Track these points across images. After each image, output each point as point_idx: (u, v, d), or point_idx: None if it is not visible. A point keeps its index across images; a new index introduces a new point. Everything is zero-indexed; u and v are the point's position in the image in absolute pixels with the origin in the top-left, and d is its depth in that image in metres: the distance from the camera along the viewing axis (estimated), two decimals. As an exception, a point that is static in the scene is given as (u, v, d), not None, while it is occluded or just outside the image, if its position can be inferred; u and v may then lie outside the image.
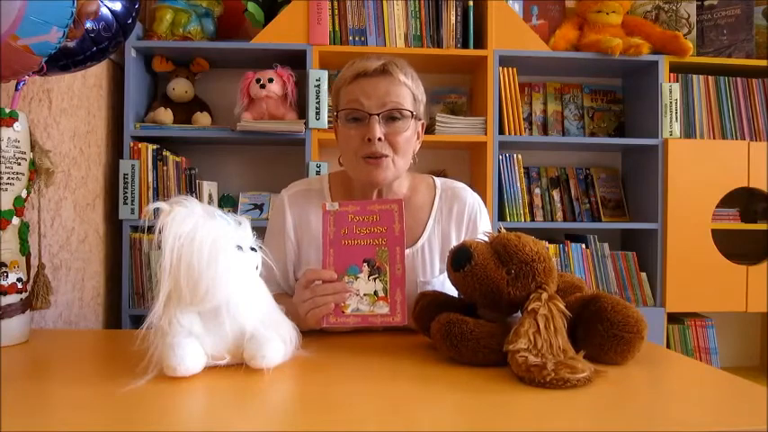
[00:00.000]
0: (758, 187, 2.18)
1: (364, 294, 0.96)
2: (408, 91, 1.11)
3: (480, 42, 2.18)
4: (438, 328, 0.85)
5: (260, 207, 2.20)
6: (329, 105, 2.09)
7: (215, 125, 2.17)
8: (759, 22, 2.34)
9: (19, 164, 0.99)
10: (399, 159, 1.11)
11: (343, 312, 0.96)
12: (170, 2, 2.11)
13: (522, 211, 2.20)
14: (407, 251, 1.13)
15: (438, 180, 1.25)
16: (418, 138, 1.18)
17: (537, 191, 2.31)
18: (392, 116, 1.09)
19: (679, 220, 2.15)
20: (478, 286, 0.86)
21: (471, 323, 0.83)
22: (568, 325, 0.82)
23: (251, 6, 2.12)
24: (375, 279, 0.96)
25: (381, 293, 0.96)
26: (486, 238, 0.91)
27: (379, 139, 1.07)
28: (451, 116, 2.18)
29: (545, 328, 0.77)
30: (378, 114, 1.08)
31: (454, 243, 1.06)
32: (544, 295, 0.81)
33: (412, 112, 1.11)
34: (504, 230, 0.92)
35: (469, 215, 1.20)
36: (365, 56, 1.14)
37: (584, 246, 2.22)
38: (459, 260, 0.87)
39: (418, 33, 2.16)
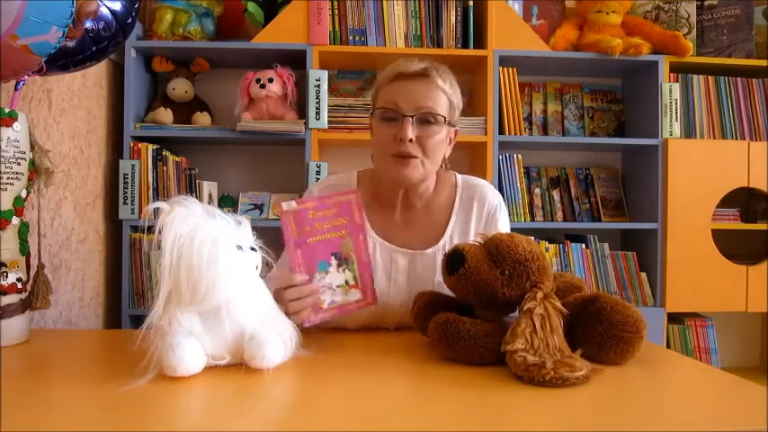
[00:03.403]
0: (758, 187, 2.18)
1: (337, 286, 0.98)
2: (445, 97, 1.12)
3: (480, 42, 2.18)
4: (435, 328, 0.85)
5: (260, 207, 2.20)
6: (329, 105, 2.09)
7: (215, 125, 2.17)
8: (759, 22, 2.34)
9: (19, 164, 0.99)
10: (428, 162, 1.12)
11: (321, 308, 0.98)
12: (170, 2, 2.11)
13: (522, 211, 2.20)
14: (429, 251, 1.16)
15: (460, 177, 1.26)
16: (450, 143, 1.19)
17: (537, 191, 2.31)
18: (425, 119, 1.10)
19: (679, 220, 2.15)
20: (473, 289, 0.86)
21: (468, 323, 0.83)
22: (567, 324, 0.83)
23: (251, 6, 2.12)
24: (344, 269, 0.99)
25: (352, 282, 1.00)
26: (480, 240, 0.91)
27: (411, 140, 1.09)
28: (451, 116, 2.18)
29: (541, 328, 0.77)
30: (412, 116, 1.09)
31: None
32: (539, 294, 0.81)
33: (445, 118, 1.12)
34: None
35: (489, 212, 1.21)
36: (409, 57, 1.16)
37: (584, 246, 2.22)
38: (453, 264, 0.87)
39: (418, 33, 2.16)
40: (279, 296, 0.99)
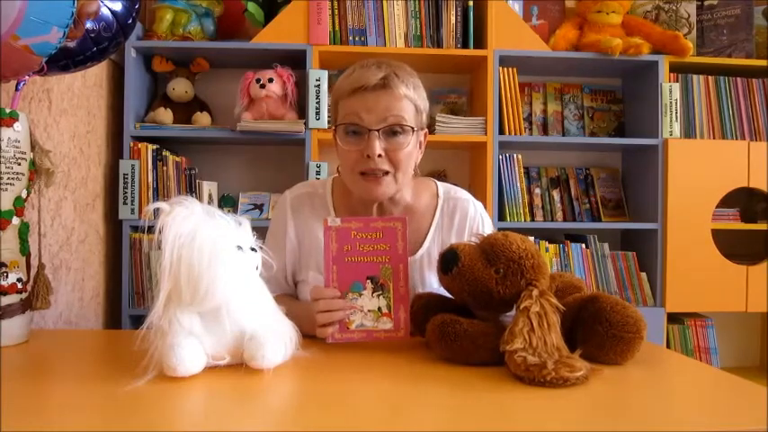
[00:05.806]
0: (758, 187, 2.18)
1: (368, 310, 0.97)
2: (410, 103, 1.06)
3: (480, 42, 2.18)
4: (433, 329, 0.86)
5: (260, 207, 2.20)
6: (329, 105, 2.09)
7: (215, 125, 2.17)
8: (759, 22, 2.34)
9: (19, 164, 0.99)
10: (400, 175, 1.08)
11: (347, 328, 0.97)
12: (170, 2, 2.11)
13: (522, 211, 2.20)
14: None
15: (441, 187, 1.22)
16: (420, 147, 1.13)
17: (537, 191, 2.31)
18: (393, 131, 1.05)
19: (679, 220, 2.15)
20: (468, 287, 0.86)
21: (465, 323, 0.83)
22: (566, 324, 0.83)
23: (251, 6, 2.12)
24: (379, 296, 0.97)
25: (385, 309, 0.97)
26: (475, 240, 0.91)
27: (379, 156, 1.04)
28: (451, 116, 2.18)
29: (539, 326, 0.77)
30: (378, 130, 1.04)
31: None
32: (535, 292, 0.81)
33: (413, 128, 1.06)
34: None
35: (471, 228, 1.18)
36: (364, 63, 1.07)
37: (584, 246, 2.22)
38: (447, 263, 0.88)
39: (418, 33, 2.16)
40: (307, 307, 0.98)
